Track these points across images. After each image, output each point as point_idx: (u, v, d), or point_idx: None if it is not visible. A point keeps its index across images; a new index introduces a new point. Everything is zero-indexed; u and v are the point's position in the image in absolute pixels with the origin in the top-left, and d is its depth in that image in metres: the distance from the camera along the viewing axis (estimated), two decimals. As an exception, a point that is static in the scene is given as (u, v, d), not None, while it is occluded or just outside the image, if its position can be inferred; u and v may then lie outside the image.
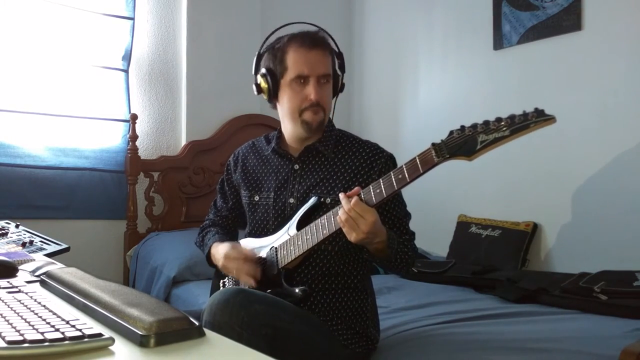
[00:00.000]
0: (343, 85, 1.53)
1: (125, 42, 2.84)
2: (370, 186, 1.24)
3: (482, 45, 2.90)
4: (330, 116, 1.53)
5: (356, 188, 1.27)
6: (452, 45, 3.09)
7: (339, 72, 1.52)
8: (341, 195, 1.26)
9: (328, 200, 1.41)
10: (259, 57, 1.51)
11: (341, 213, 1.24)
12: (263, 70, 1.48)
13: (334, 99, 1.52)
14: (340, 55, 1.53)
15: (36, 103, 2.61)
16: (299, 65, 1.41)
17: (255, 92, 1.54)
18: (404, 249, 1.39)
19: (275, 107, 1.54)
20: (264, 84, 1.48)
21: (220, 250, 1.46)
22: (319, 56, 1.42)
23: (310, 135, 1.48)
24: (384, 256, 1.34)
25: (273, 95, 1.48)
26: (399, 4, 3.40)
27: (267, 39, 1.52)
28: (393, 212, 1.45)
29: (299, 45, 1.42)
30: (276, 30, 1.52)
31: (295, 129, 1.48)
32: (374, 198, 1.23)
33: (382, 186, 1.22)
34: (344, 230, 1.25)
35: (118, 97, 2.82)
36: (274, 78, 1.45)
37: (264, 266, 1.42)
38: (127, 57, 2.85)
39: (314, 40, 1.42)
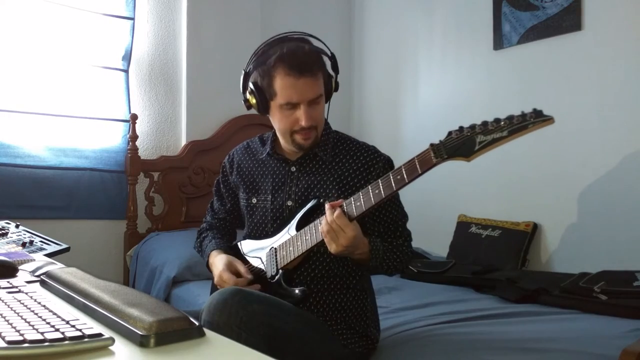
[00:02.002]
0: (337, 84, 1.49)
1: (125, 42, 2.84)
2: (369, 187, 1.24)
3: (482, 46, 2.90)
4: (326, 117, 1.52)
5: (339, 200, 1.27)
6: (452, 46, 3.09)
7: (332, 73, 1.47)
8: (327, 206, 1.26)
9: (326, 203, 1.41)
10: (246, 76, 1.46)
11: (324, 224, 1.25)
12: (251, 87, 1.43)
13: (328, 101, 1.48)
14: (332, 57, 1.47)
15: (36, 103, 2.61)
16: (288, 93, 1.36)
17: (246, 108, 1.50)
18: (392, 256, 1.39)
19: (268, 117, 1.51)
20: (253, 100, 1.45)
21: (217, 265, 1.45)
22: (308, 82, 1.36)
23: (303, 152, 1.47)
24: (367, 265, 1.36)
25: (263, 111, 1.45)
26: (399, 4, 3.39)
27: (252, 58, 1.45)
28: (389, 214, 1.45)
29: (286, 72, 1.35)
30: (259, 47, 1.44)
31: (288, 146, 1.48)
32: (372, 199, 1.22)
33: (381, 187, 1.21)
34: (325, 240, 1.26)
35: (118, 97, 2.82)
36: (263, 96, 1.41)
37: (259, 275, 1.41)
38: (127, 57, 2.85)
39: (302, 67, 1.34)
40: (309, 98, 1.37)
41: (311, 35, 1.46)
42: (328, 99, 1.48)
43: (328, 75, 1.45)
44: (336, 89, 1.50)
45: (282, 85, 1.36)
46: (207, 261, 1.55)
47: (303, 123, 1.38)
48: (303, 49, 1.37)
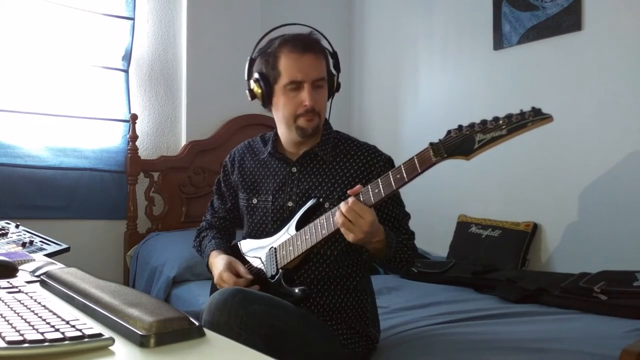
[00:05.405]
0: (339, 84, 1.50)
1: (125, 42, 2.84)
2: (369, 186, 1.24)
3: (482, 46, 2.90)
4: (327, 117, 1.52)
5: (358, 186, 1.27)
6: (452, 46, 3.09)
7: (333, 71, 1.49)
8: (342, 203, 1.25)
9: (327, 204, 1.41)
10: (251, 62, 1.48)
11: (338, 214, 1.23)
12: (256, 75, 1.45)
13: (330, 100, 1.49)
14: (334, 55, 1.49)
15: (36, 103, 2.61)
16: (292, 70, 1.38)
17: (249, 98, 1.51)
18: (403, 248, 1.39)
19: (270, 111, 1.52)
20: (257, 89, 1.46)
21: (217, 265, 1.45)
22: (312, 60, 1.39)
23: (306, 140, 1.47)
24: (383, 255, 1.34)
25: (267, 100, 1.46)
26: (399, 4, 3.39)
27: (258, 43, 1.49)
28: (392, 213, 1.45)
29: (290, 49, 1.38)
30: (267, 33, 1.48)
31: (290, 134, 1.47)
32: (372, 198, 1.23)
33: (381, 186, 1.22)
34: (342, 230, 1.24)
35: (118, 97, 2.82)
36: (267, 83, 1.43)
37: (259, 275, 1.41)
38: (127, 57, 2.85)
39: (306, 44, 1.39)
40: (313, 77, 1.39)
41: (317, 31, 1.48)
42: (330, 96, 1.48)
43: (329, 72, 1.46)
44: (337, 89, 1.50)
45: (286, 63, 1.39)
46: (207, 261, 1.55)
47: (307, 103, 1.38)
48: (308, 33, 1.43)
